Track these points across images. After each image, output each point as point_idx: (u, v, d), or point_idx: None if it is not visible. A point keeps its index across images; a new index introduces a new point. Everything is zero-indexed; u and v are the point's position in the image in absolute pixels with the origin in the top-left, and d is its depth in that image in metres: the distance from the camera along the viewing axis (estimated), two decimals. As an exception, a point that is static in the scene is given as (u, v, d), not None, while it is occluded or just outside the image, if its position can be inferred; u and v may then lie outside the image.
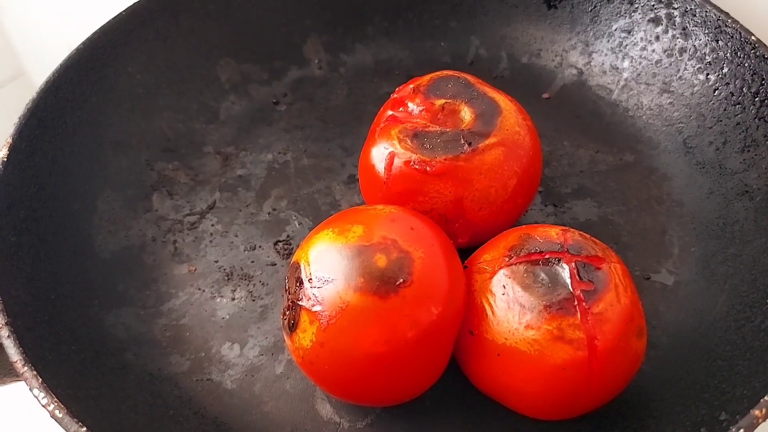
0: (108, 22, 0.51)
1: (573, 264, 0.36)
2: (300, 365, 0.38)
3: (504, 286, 0.36)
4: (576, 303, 0.34)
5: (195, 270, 0.48)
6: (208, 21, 0.55)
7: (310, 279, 0.36)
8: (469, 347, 0.37)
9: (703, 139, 0.49)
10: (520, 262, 0.36)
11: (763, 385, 0.35)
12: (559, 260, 0.36)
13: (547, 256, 0.36)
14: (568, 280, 0.35)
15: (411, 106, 0.44)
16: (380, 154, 0.43)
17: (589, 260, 0.36)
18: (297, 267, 0.37)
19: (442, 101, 0.43)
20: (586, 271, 0.35)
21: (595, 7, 0.55)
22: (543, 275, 0.35)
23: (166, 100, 0.53)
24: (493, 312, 0.36)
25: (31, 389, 0.36)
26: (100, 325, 0.44)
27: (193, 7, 0.54)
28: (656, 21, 0.52)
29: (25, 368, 0.36)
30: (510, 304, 0.35)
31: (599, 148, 0.52)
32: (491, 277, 0.36)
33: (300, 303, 0.36)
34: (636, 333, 0.36)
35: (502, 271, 0.36)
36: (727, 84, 0.48)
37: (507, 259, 0.37)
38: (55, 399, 0.35)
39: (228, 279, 0.47)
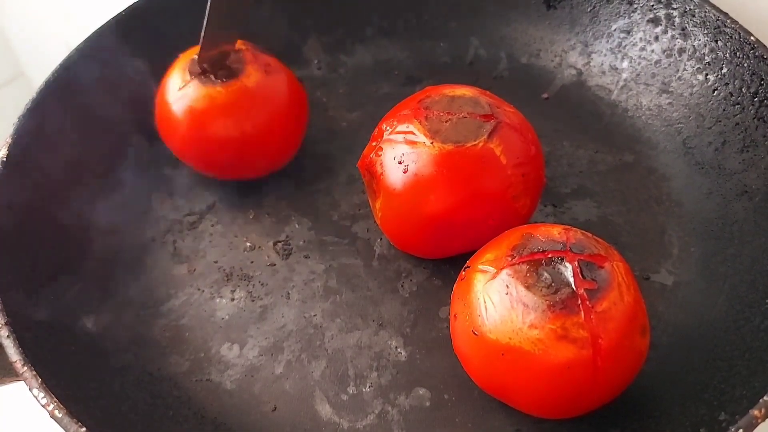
0: (108, 22, 0.51)
1: (576, 263, 0.36)
2: None
3: (507, 286, 0.36)
4: (579, 302, 0.34)
5: (194, 270, 0.48)
6: (207, 21, 0.55)
7: None
8: (473, 347, 0.37)
9: (702, 139, 0.49)
10: (523, 262, 0.36)
11: (762, 385, 0.35)
12: (561, 259, 0.36)
13: (549, 256, 0.36)
14: (572, 279, 0.35)
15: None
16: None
17: (592, 259, 0.36)
18: None
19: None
20: (589, 270, 0.35)
21: (594, 7, 0.55)
22: (546, 274, 0.35)
23: (165, 100, 0.53)
24: (496, 312, 0.36)
25: (30, 389, 0.35)
26: (99, 326, 0.43)
27: (193, 7, 0.54)
28: (655, 21, 0.52)
29: (25, 368, 0.36)
30: (513, 304, 0.35)
31: (598, 148, 0.52)
32: (494, 277, 0.36)
33: None
34: (639, 331, 0.36)
35: (504, 271, 0.36)
36: (726, 84, 0.48)
37: (510, 259, 0.37)
38: (55, 399, 0.35)
39: (227, 279, 0.47)
